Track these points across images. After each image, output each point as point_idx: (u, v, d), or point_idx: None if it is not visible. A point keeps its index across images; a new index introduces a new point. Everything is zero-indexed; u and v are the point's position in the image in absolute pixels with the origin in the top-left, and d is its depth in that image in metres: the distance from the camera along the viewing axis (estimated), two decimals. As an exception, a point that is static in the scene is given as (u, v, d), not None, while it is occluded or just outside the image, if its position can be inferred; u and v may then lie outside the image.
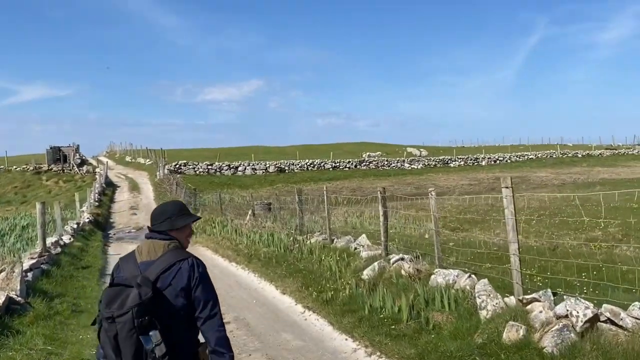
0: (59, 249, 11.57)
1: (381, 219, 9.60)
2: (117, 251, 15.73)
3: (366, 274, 8.76)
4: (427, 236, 14.86)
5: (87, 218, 20.40)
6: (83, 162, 43.56)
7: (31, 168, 38.57)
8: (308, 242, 12.81)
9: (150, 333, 2.35)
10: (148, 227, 2.78)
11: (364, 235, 10.98)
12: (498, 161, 57.17)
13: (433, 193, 7.45)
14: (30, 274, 8.81)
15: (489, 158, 57.05)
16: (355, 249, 10.62)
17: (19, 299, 7.24)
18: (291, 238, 13.81)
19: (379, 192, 9.60)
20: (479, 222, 16.27)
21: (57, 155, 41.69)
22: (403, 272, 8.16)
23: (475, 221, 16.31)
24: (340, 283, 8.75)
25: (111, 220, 25.03)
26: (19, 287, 7.43)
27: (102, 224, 22.73)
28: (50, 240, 11.78)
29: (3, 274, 7.58)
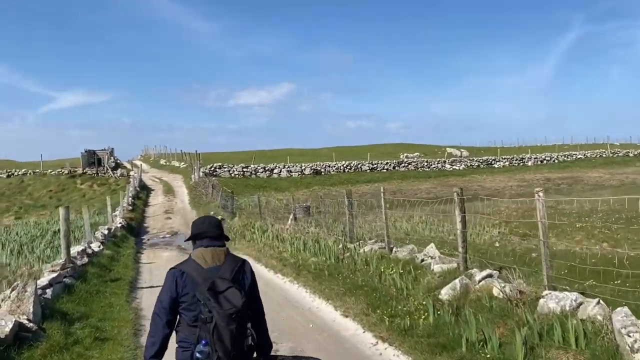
0: (85, 259, 10.38)
1: (458, 225, 8.01)
2: (150, 259, 14.56)
3: (445, 293, 7.19)
4: (497, 244, 13.18)
5: (120, 223, 19.38)
6: (117, 166, 43.12)
7: (66, 172, 38.21)
8: (361, 250, 11.33)
9: (248, 325, 2.78)
10: (196, 235, 3.03)
11: (432, 244, 9.40)
12: (545, 161, 54.40)
13: (541, 194, 5.84)
14: (49, 291, 7.58)
15: (535, 158, 54.34)
16: (423, 260, 9.05)
17: (31, 324, 5.96)
18: (340, 246, 12.35)
19: (455, 194, 8.01)
20: (550, 227, 14.45)
21: (92, 158, 41.28)
22: (496, 293, 6.56)
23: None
24: (413, 304, 7.21)
25: (145, 224, 24.05)
26: (31, 310, 6.16)
27: (135, 228, 21.72)
28: (76, 249, 10.60)
29: (14, 293, 6.32)
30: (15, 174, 38.55)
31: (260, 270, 11.51)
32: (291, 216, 17.86)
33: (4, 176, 37.89)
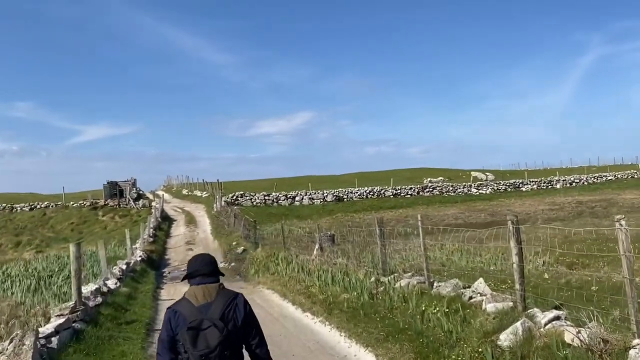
0: (99, 299, 9.60)
1: (514, 258, 7.04)
2: (171, 295, 13.75)
3: (505, 339, 6.18)
4: (546, 276, 12.04)
5: (140, 256, 18.70)
6: (139, 197, 42.87)
7: (88, 204, 38.05)
8: (396, 285, 10.35)
9: None
10: (189, 274, 3.10)
11: (480, 279, 8.38)
12: (574, 183, 52.64)
13: (623, 222, 4.88)
14: (55, 339, 6.79)
15: (563, 180, 52.63)
16: (471, 298, 8.05)
17: (29, 384, 5.15)
18: (372, 279, 11.39)
19: (510, 222, 7.05)
20: (597, 256, 13.23)
21: (114, 190, 41.14)
22: (569, 340, 5.55)
23: (591, 255, 13.24)
24: (466, 352, 6.23)
25: (166, 256, 23.39)
26: (30, 366, 5.35)
27: (156, 261, 21.04)
28: (90, 288, 9.85)
29: (11, 345, 5.54)
30: (38, 207, 38.55)
31: (287, 309, 10.60)
32: (317, 246, 16.95)
33: (27, 209, 37.87)
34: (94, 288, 9.84)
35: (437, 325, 7.60)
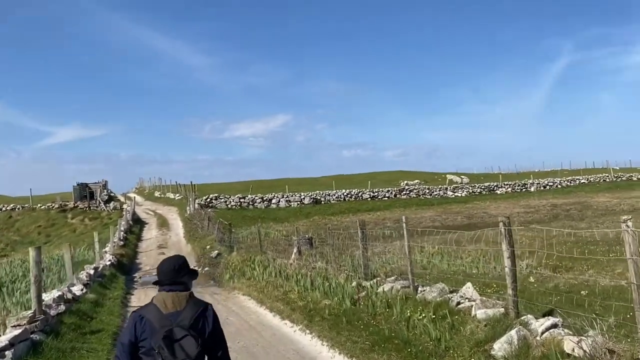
0: (62, 307, 8.93)
1: (506, 262, 6.68)
2: (141, 301, 13.04)
3: (499, 348, 5.80)
4: (531, 279, 11.77)
5: (109, 260, 17.91)
6: (110, 199, 41.65)
7: (56, 206, 36.72)
8: (379, 289, 9.95)
9: None
10: (159, 281, 2.97)
11: (468, 284, 8.02)
12: (548, 186, 53.25)
13: (630, 224, 4.54)
14: (9, 353, 6.16)
15: (537, 183, 53.19)
16: (459, 303, 7.67)
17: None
18: (353, 284, 10.97)
19: (501, 223, 6.70)
20: (580, 259, 13.04)
21: (84, 192, 39.85)
22: (569, 349, 5.19)
23: (574, 258, 13.06)
24: (459, 363, 5.83)
25: (137, 260, 22.56)
26: (-24, 386, 4.74)
27: (126, 265, 20.23)
28: (52, 295, 9.17)
29: (-45, 363, 4.91)
30: (3, 209, 37.04)
31: (265, 316, 10.07)
32: (295, 249, 16.45)
33: (-9, 211, 36.38)
34: (56, 295, 9.15)
35: (424, 333, 7.21)
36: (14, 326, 7.03)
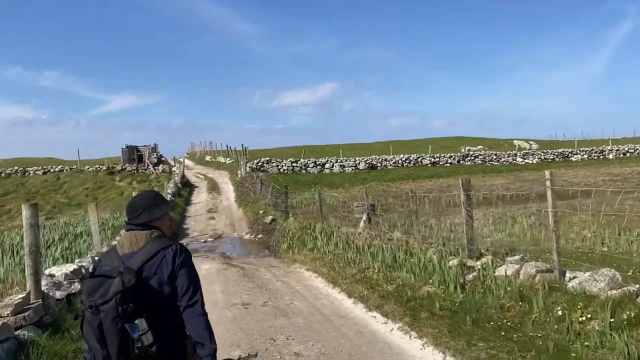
0: (77, 286, 6.69)
1: None
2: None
3: None
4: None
5: (152, 225, 15.85)
6: (160, 162, 40.20)
7: (104, 168, 35.53)
8: (496, 273, 7.27)
9: (136, 321, 2.26)
10: (126, 221, 2.67)
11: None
12: (628, 153, 48.23)
13: None
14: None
15: (617, 150, 48.26)
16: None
17: None
18: (453, 262, 8.29)
19: None
20: None
21: (133, 154, 38.55)
22: None
23: None
24: None
25: (185, 225, 20.64)
26: None
27: (173, 231, 18.27)
28: (63, 269, 6.92)
29: None
30: (52, 170, 36.20)
31: (342, 304, 7.52)
32: (364, 217, 13.83)
33: (40, 173, 35.56)
34: (70, 269, 6.91)
35: (608, 348, 4.49)
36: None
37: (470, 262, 8.25)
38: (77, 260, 8.44)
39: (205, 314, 2.51)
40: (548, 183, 6.54)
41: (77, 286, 6.73)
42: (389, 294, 7.11)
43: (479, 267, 7.88)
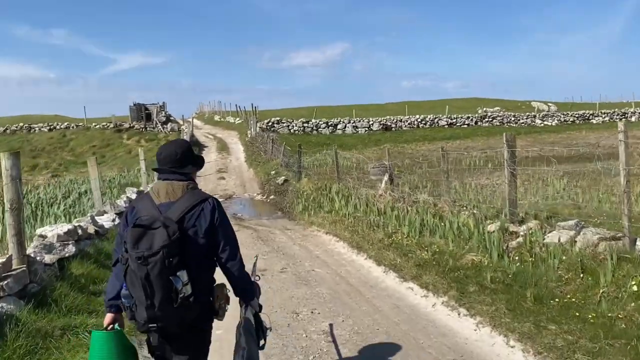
0: (71, 249, 5.88)
1: None
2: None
3: None
4: None
5: (159, 183, 15.05)
6: (168, 120, 39.24)
7: (112, 126, 34.65)
8: (546, 239, 6.42)
9: (179, 273, 2.28)
10: (156, 169, 2.63)
11: None
12: (652, 117, 46.54)
13: None
14: None
15: (639, 113, 46.55)
16: None
17: None
18: (491, 228, 7.42)
19: None
20: None
21: (141, 112, 37.55)
22: None
23: None
24: None
25: (194, 185, 19.84)
26: None
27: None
28: (56, 230, 6.08)
29: None
30: (57, 127, 35.37)
31: (371, 272, 6.67)
32: (385, 177, 12.90)
33: (46, 130, 34.77)
34: (65, 229, 6.08)
35: None
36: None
37: (512, 227, 7.36)
38: (74, 220, 7.62)
39: (244, 265, 2.62)
40: (621, 136, 5.54)
41: (71, 249, 5.91)
42: (425, 263, 6.24)
43: (523, 232, 7.00)
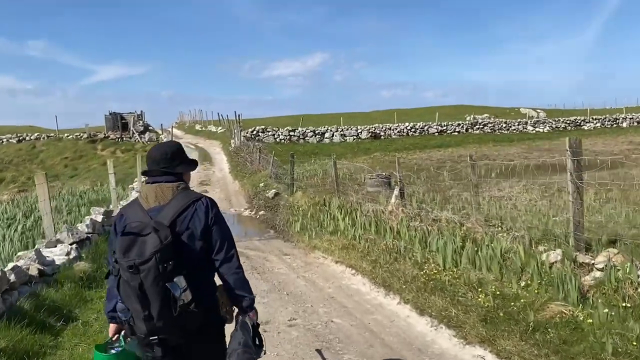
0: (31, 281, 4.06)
1: None
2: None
3: None
4: None
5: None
6: (146, 130, 37.26)
7: (85, 136, 32.51)
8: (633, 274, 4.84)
9: (175, 279, 2.15)
10: (145, 171, 2.50)
11: None
12: (643, 122, 45.95)
13: None
14: None
15: (631, 118, 45.85)
16: None
17: None
18: (554, 257, 5.86)
19: None
20: None
21: (117, 122, 35.51)
22: None
23: None
24: None
25: (174, 200, 17.99)
26: None
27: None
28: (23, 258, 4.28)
29: None
30: (27, 139, 33.11)
31: (412, 326, 4.97)
32: (395, 191, 11.25)
33: (14, 141, 32.47)
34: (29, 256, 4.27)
35: None
36: None
37: (581, 257, 5.77)
38: (15, 257, 5.82)
39: (241, 267, 2.46)
40: None
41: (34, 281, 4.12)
42: (492, 316, 4.57)
43: (600, 266, 5.40)
